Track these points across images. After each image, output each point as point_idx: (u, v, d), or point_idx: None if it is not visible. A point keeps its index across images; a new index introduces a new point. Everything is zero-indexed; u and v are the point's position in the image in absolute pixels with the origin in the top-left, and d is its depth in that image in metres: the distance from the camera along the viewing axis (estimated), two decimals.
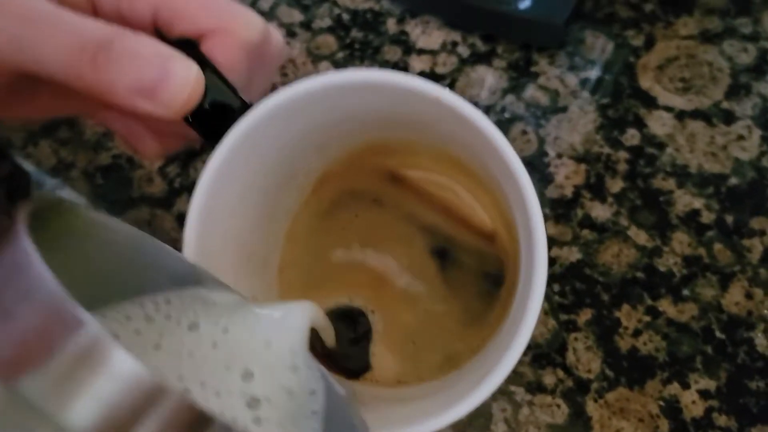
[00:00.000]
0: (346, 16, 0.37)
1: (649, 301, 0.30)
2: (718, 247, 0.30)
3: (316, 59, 0.36)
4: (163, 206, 0.32)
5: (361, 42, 0.36)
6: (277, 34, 0.24)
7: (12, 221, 0.14)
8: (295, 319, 0.19)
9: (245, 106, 0.21)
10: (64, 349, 0.12)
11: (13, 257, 0.13)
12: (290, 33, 0.36)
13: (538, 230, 0.19)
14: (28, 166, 0.33)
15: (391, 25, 0.36)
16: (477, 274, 0.27)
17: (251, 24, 0.22)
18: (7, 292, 0.13)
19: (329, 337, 0.23)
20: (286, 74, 0.35)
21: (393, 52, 0.36)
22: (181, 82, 0.19)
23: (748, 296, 0.29)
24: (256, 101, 0.21)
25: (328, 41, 0.36)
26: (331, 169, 0.27)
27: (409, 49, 0.36)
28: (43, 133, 0.34)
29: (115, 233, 0.18)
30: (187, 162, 0.33)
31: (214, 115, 0.21)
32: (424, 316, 0.27)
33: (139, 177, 0.33)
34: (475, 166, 0.24)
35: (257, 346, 0.18)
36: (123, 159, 0.34)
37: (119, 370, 0.12)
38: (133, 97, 0.19)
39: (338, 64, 0.35)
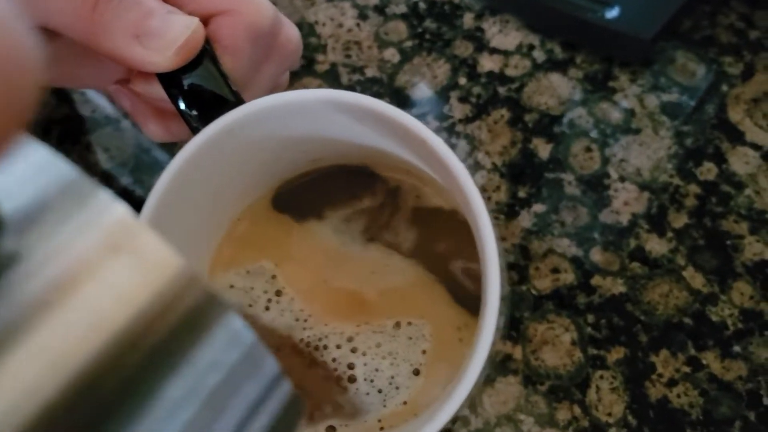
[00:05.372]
0: (422, 5, 0.37)
1: (692, 351, 0.28)
2: None
3: (383, 45, 0.36)
4: None
5: (433, 33, 0.36)
6: (292, 29, 0.24)
7: None
8: None
9: (239, 102, 0.21)
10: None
11: None
12: (362, 15, 0.37)
13: (493, 277, 0.18)
14: (84, 110, 0.36)
15: (468, 20, 0.36)
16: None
17: (261, 9, 0.22)
18: None
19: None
20: (350, 56, 0.36)
21: (464, 48, 0.36)
22: (180, 29, 0.20)
23: None
24: (263, 94, 0.21)
25: (399, 28, 0.37)
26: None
27: (481, 46, 0.36)
28: None
29: None
30: None
31: (206, 106, 0.21)
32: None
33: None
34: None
35: None
36: None
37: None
38: (128, 41, 0.20)
39: (405, 53, 0.36)
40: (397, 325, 0.24)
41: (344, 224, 0.25)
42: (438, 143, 0.19)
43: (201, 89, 0.21)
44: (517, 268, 0.30)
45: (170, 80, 0.21)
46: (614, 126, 0.33)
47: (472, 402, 0.28)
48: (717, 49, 0.34)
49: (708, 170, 0.32)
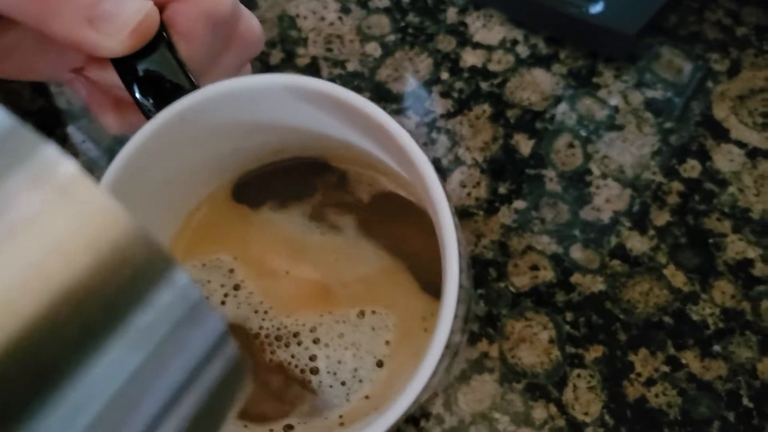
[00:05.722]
0: None
1: (671, 350, 0.28)
2: (766, 305, 0.28)
3: (365, 39, 0.36)
4: None
5: (416, 27, 0.36)
6: (252, 20, 0.24)
7: None
8: None
9: (195, 89, 0.21)
10: None
11: None
12: (344, 9, 0.37)
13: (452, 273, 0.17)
14: (60, 102, 0.36)
15: (451, 14, 0.36)
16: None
17: None
18: None
19: None
20: (331, 50, 0.36)
21: (447, 42, 0.36)
22: (133, 12, 0.20)
23: None
24: None
25: (382, 22, 0.36)
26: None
27: (465, 41, 0.35)
28: None
29: None
30: None
31: (161, 94, 0.21)
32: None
33: None
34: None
35: None
36: None
37: None
38: (80, 25, 0.19)
39: (387, 47, 0.36)
40: (361, 314, 0.23)
41: (306, 214, 0.25)
42: (396, 128, 0.19)
43: (156, 76, 0.21)
44: (495, 264, 0.30)
45: (125, 66, 0.21)
46: (597, 122, 0.33)
47: (447, 400, 0.28)
48: (703, 45, 0.34)
49: (692, 168, 0.31)
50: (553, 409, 0.27)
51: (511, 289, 0.30)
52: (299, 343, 0.23)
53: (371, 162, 0.24)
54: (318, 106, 0.20)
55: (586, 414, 0.27)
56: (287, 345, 0.23)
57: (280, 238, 0.24)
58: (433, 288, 0.23)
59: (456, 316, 0.17)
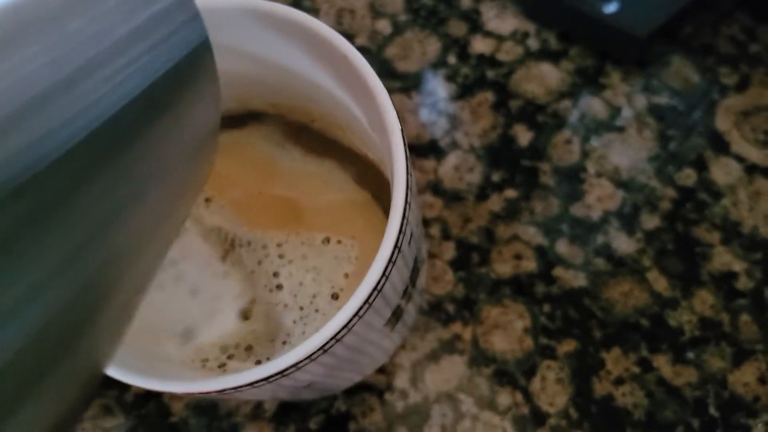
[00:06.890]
0: None
1: (644, 352, 0.28)
2: (745, 318, 0.28)
3: (377, 15, 0.37)
4: None
5: (429, 10, 0.37)
6: None
7: None
8: None
9: None
10: None
11: None
12: None
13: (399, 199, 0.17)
14: None
15: (466, 1, 0.37)
16: None
17: None
18: None
19: None
20: (342, 23, 0.37)
21: (458, 28, 0.36)
22: None
23: (762, 381, 0.27)
24: None
25: (396, 1, 0.37)
26: None
27: (476, 28, 0.36)
28: None
29: None
30: None
31: None
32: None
33: None
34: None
35: None
36: None
37: None
38: None
39: (397, 26, 0.36)
40: (326, 240, 0.24)
41: (280, 140, 0.25)
42: (352, 52, 0.19)
43: None
44: (479, 250, 0.30)
45: None
46: (599, 122, 0.33)
47: (414, 376, 0.28)
48: (715, 58, 0.35)
49: (687, 176, 0.32)
50: (519, 396, 0.28)
51: (492, 275, 0.30)
52: (267, 256, 0.24)
53: (339, 122, 0.24)
54: (271, 31, 0.20)
55: (551, 405, 0.27)
56: (254, 251, 0.24)
57: (253, 160, 0.25)
58: None
59: (385, 276, 0.17)
